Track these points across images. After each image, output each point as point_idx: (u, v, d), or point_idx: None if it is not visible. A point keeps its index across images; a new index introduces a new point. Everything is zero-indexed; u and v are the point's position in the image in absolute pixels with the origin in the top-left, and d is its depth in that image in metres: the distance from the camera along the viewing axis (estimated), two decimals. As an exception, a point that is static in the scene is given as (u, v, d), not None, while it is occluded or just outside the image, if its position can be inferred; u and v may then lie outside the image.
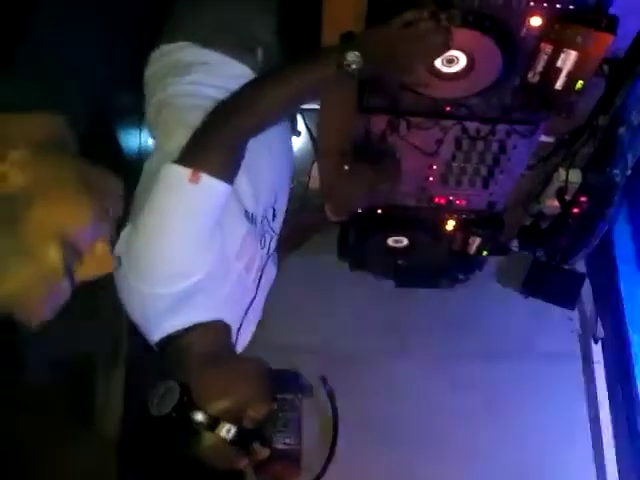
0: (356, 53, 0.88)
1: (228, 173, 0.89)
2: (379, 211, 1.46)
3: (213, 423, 0.86)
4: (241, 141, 0.91)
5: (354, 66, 0.89)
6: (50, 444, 1.24)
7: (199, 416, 0.86)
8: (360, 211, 1.46)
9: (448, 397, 1.88)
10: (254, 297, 1.06)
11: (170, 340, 0.90)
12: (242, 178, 0.96)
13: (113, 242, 0.86)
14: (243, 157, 0.92)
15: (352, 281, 1.87)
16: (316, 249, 1.81)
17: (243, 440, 0.88)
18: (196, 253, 0.88)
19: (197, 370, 0.89)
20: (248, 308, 1.05)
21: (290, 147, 1.22)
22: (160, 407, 0.85)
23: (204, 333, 0.92)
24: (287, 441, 1.77)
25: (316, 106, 1.29)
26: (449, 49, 0.95)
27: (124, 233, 0.90)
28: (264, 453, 0.91)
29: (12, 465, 1.14)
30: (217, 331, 0.94)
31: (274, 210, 1.10)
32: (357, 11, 1.03)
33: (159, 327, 0.90)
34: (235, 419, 0.87)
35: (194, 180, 0.84)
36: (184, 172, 0.85)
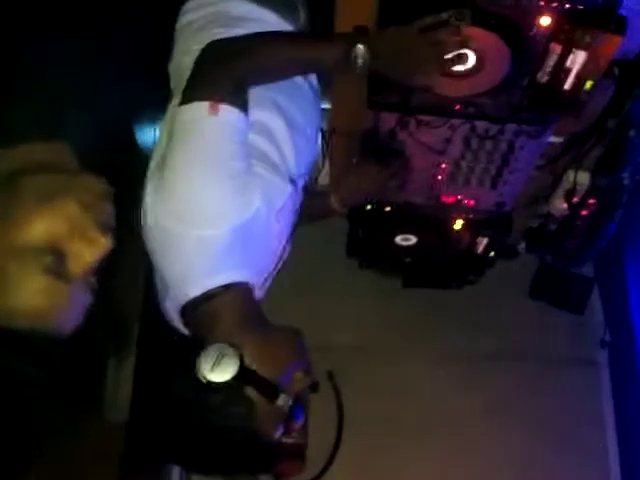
0: (365, 47, 0.88)
1: (242, 104, 0.88)
2: (388, 209, 1.47)
3: (274, 393, 0.82)
4: (243, 83, 0.91)
5: (360, 60, 0.89)
6: (59, 428, 1.26)
7: (261, 384, 0.81)
8: (369, 208, 1.47)
9: (452, 396, 1.88)
10: (274, 268, 1.03)
11: (207, 298, 0.86)
12: (289, 141, 0.98)
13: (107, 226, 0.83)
14: (247, 96, 0.91)
15: (360, 279, 1.89)
16: (325, 247, 1.84)
17: (291, 410, 0.84)
18: (234, 189, 0.86)
19: (239, 334, 0.84)
20: (265, 280, 1.01)
21: (319, 129, 1.22)
22: (218, 372, 0.79)
23: (240, 293, 0.88)
24: (292, 437, 1.78)
25: (328, 106, 1.31)
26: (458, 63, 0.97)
27: (149, 189, 0.88)
28: (300, 424, 0.88)
29: (21, 446, 1.16)
30: (249, 294, 0.91)
31: (304, 180, 1.10)
32: (369, 11, 1.05)
33: (198, 282, 0.86)
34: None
35: (213, 111, 0.84)
36: (202, 106, 0.84)
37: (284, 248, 1.06)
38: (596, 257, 1.93)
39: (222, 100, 0.85)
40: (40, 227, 0.73)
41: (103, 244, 0.76)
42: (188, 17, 1.09)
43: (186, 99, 0.87)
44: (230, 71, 0.88)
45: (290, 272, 1.15)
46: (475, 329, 1.95)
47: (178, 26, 1.10)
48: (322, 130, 1.37)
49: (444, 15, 0.88)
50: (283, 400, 0.83)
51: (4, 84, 0.81)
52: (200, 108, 0.85)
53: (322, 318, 1.87)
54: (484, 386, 1.89)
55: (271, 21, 1.08)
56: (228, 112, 0.86)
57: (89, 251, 0.76)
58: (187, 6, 1.10)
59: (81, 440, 1.33)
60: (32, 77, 0.85)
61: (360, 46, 0.88)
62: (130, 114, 1.11)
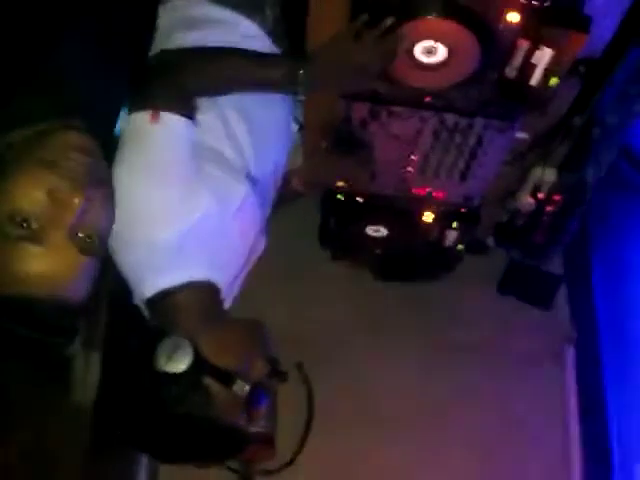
0: (303, 74, 0.94)
1: (186, 110, 0.91)
2: (359, 199, 1.49)
3: (229, 380, 0.85)
4: (188, 93, 0.94)
5: (300, 87, 0.95)
6: (28, 406, 1.26)
7: (216, 372, 0.84)
8: (340, 198, 1.49)
9: (420, 387, 1.90)
10: (242, 267, 1.06)
11: (163, 297, 0.90)
12: (247, 138, 0.99)
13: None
14: (194, 103, 0.94)
15: (333, 271, 1.90)
16: (298, 237, 1.85)
17: (251, 397, 0.88)
18: (180, 192, 0.89)
19: (196, 328, 0.88)
20: (235, 278, 1.05)
21: (290, 128, 1.24)
22: (173, 363, 0.83)
23: (197, 292, 0.92)
24: (261, 424, 1.80)
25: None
26: (395, 57, 1.00)
27: None
28: (262, 411, 0.92)
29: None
30: (210, 292, 0.94)
31: (274, 177, 1.12)
32: (342, 7, 1.06)
33: (152, 283, 0.90)
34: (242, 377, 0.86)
35: (155, 119, 0.87)
36: (143, 115, 0.87)
37: (254, 244, 1.07)
38: (565, 254, 1.99)
39: (164, 108, 0.88)
40: (15, 194, 0.76)
41: (76, 205, 0.78)
42: (159, 22, 1.10)
43: (131, 108, 0.90)
44: (173, 83, 0.92)
45: (262, 263, 1.17)
46: (445, 322, 1.98)
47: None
48: (298, 122, 1.39)
49: (364, 17, 0.94)
50: (239, 386, 0.86)
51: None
52: (142, 117, 0.88)
53: (293, 309, 1.89)
54: (451, 378, 1.92)
55: (233, 21, 1.09)
56: (169, 119, 0.89)
57: (65, 214, 0.77)
58: (160, 10, 1.11)
59: (49, 421, 1.32)
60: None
61: (299, 73, 0.94)
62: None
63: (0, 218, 0.76)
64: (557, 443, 1.89)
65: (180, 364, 0.82)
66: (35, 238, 0.76)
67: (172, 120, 0.89)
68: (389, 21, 0.92)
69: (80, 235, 0.79)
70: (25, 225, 0.75)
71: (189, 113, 0.92)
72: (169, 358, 0.82)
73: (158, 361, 0.83)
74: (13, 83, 0.83)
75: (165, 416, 0.85)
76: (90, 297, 0.86)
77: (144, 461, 1.74)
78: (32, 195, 0.76)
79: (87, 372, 1.45)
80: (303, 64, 0.95)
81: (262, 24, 1.11)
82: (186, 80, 0.93)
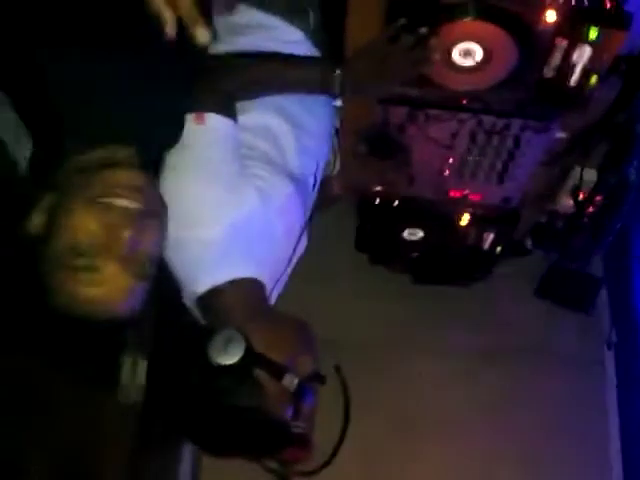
0: (338, 76, 0.96)
1: (228, 110, 0.95)
2: (396, 203, 1.50)
3: (279, 373, 0.87)
4: (231, 97, 0.98)
5: (335, 89, 0.97)
6: (72, 413, 1.30)
7: (267, 365, 0.86)
8: (377, 202, 1.50)
9: (456, 392, 1.89)
10: (287, 265, 1.09)
11: (212, 294, 0.93)
12: (290, 139, 1.03)
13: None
14: (234, 104, 0.98)
15: (370, 275, 1.91)
16: (336, 241, 1.86)
17: (299, 391, 0.89)
18: (226, 190, 0.92)
19: (247, 322, 0.90)
20: (280, 276, 1.07)
21: (331, 131, 1.27)
22: (226, 356, 0.85)
23: (245, 288, 0.94)
24: (300, 425, 1.81)
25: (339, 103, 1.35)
26: (432, 62, 1.01)
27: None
28: (308, 407, 0.93)
29: (37, 424, 1.20)
30: (256, 288, 0.97)
31: (315, 179, 1.14)
32: (379, 11, 1.08)
33: (203, 280, 0.93)
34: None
35: (199, 121, 0.92)
36: (189, 118, 0.92)
37: (297, 243, 1.09)
38: (605, 256, 1.95)
39: (208, 110, 0.93)
40: (75, 228, 0.84)
41: (126, 238, 0.85)
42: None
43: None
44: (216, 86, 0.96)
45: (300, 266, 1.19)
46: (482, 327, 1.97)
47: None
48: (335, 128, 1.41)
49: (401, 21, 0.96)
50: (289, 380, 0.88)
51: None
52: (189, 121, 0.93)
53: (330, 313, 1.89)
54: (489, 383, 1.90)
55: (277, 26, 1.13)
56: (213, 120, 0.93)
57: (117, 247, 0.85)
58: None
59: (95, 421, 1.36)
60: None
61: (335, 75, 0.96)
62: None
63: (61, 250, 0.84)
64: (598, 447, 1.85)
65: (233, 356, 0.84)
66: (92, 268, 0.84)
67: (216, 121, 0.93)
68: (424, 30, 0.94)
69: (132, 263, 0.86)
70: (83, 256, 0.83)
71: (232, 114, 0.96)
72: (222, 351, 0.85)
73: (211, 354, 0.85)
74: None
75: (217, 407, 0.87)
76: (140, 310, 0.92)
77: (188, 460, 1.77)
78: (88, 230, 0.84)
79: (134, 373, 1.49)
80: (339, 66, 0.97)
81: (304, 30, 1.14)
82: (228, 83, 0.97)
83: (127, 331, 1.08)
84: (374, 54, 0.98)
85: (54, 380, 1.20)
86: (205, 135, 0.92)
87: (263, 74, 1.01)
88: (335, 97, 1.02)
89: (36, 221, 0.86)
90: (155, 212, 0.90)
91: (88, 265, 0.84)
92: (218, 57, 1.01)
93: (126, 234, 0.85)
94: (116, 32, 0.97)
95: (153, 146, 0.94)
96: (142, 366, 1.45)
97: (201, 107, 0.92)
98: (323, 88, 1.00)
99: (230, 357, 0.84)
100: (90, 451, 1.32)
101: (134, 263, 0.86)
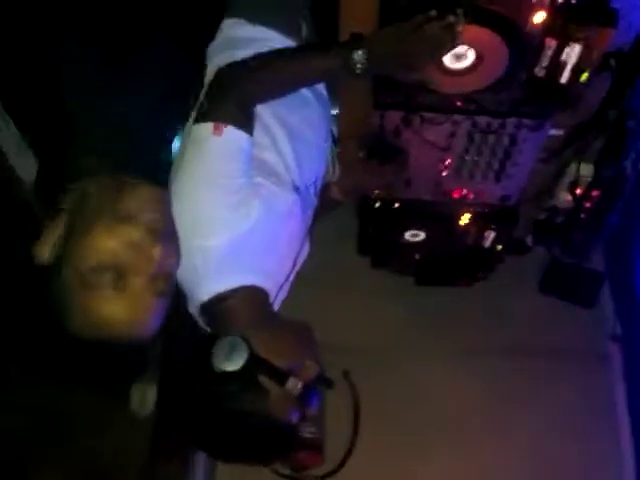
0: (362, 53, 0.94)
1: (246, 125, 0.95)
2: (396, 205, 1.51)
3: (282, 377, 0.88)
4: (248, 103, 0.98)
5: (359, 65, 0.94)
6: (88, 421, 1.31)
7: (270, 370, 0.87)
8: (378, 205, 1.51)
9: (465, 392, 1.90)
10: (290, 272, 1.10)
11: (217, 301, 0.94)
12: (289, 149, 1.04)
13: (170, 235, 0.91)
14: (253, 117, 0.99)
15: (373, 278, 1.92)
16: (338, 245, 1.88)
17: (303, 395, 0.91)
18: (235, 202, 0.93)
19: (250, 329, 0.91)
20: (283, 283, 1.08)
21: (329, 138, 1.27)
22: (229, 362, 0.86)
23: (249, 296, 0.95)
24: (311, 431, 1.82)
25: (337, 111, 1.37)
26: (455, 46, 0.99)
27: None
28: (314, 410, 0.94)
29: (54, 438, 1.22)
30: (260, 295, 0.98)
31: (315, 188, 1.15)
32: (371, 20, 1.10)
33: (208, 287, 0.94)
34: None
35: (218, 132, 0.92)
36: (208, 127, 0.92)
37: (299, 250, 1.11)
38: (606, 251, 1.96)
39: (226, 121, 0.93)
40: (98, 248, 0.83)
41: (156, 255, 0.85)
42: (214, 42, 1.14)
43: (197, 119, 0.95)
44: (235, 93, 0.96)
45: (303, 272, 1.20)
46: (486, 325, 1.98)
47: (208, 51, 1.15)
48: (333, 135, 1.43)
49: (432, 12, 0.93)
50: (292, 384, 0.89)
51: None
52: (207, 129, 0.93)
53: (336, 318, 1.90)
54: (497, 381, 1.91)
55: (274, 39, 1.14)
56: (231, 133, 0.93)
57: (146, 265, 0.85)
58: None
59: (109, 435, 1.38)
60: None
61: (357, 52, 0.94)
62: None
63: (83, 269, 0.83)
64: (606, 440, 1.85)
65: (236, 362, 0.86)
66: (117, 287, 0.84)
67: (234, 134, 0.93)
68: (452, 18, 0.93)
69: (158, 280, 0.87)
70: (107, 275, 0.83)
71: (249, 128, 0.96)
72: (226, 357, 0.86)
73: (215, 361, 0.86)
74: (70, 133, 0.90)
75: (222, 413, 0.88)
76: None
77: (201, 468, 1.78)
78: (113, 248, 0.84)
79: (146, 384, 1.50)
80: (360, 44, 0.95)
81: (299, 37, 1.16)
82: (246, 88, 0.97)
83: (148, 354, 1.10)
84: (396, 37, 0.95)
85: (70, 395, 1.22)
86: (222, 147, 0.93)
87: (282, 71, 1.00)
88: (359, 75, 0.96)
89: (49, 246, 0.85)
90: (174, 227, 0.91)
91: (112, 284, 0.83)
92: (233, 64, 1.00)
93: (157, 252, 0.85)
94: (138, 37, 0.98)
95: (149, 163, 0.95)
96: (152, 393, 1.48)
97: (220, 117, 0.93)
98: (343, 71, 0.97)
99: (233, 363, 0.86)
100: (101, 465, 1.34)
101: (159, 280, 0.87)
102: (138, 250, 0.84)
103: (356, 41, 0.99)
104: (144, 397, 1.45)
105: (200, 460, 1.79)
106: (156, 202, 0.89)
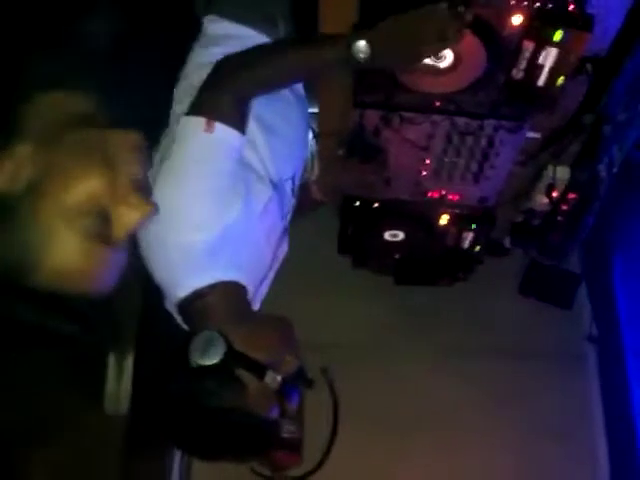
0: (365, 43, 0.91)
1: (240, 123, 0.94)
2: (376, 205, 1.52)
3: (261, 371, 0.88)
4: (245, 98, 0.96)
5: (361, 55, 0.91)
6: (61, 419, 1.30)
7: (248, 364, 0.86)
8: (358, 204, 1.52)
9: (443, 392, 1.91)
10: (269, 269, 1.09)
11: (195, 297, 0.93)
12: (266, 147, 1.02)
13: (148, 188, 0.87)
14: (248, 113, 0.96)
15: (353, 278, 1.93)
16: (318, 245, 1.88)
17: (283, 390, 0.90)
18: (217, 201, 0.92)
19: (228, 324, 0.91)
20: (262, 280, 1.07)
21: (307, 135, 1.26)
22: (206, 357, 0.85)
23: (226, 292, 0.94)
24: (290, 430, 1.81)
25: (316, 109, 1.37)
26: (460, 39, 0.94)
27: None
28: (294, 406, 0.95)
29: (26, 436, 1.20)
30: (238, 291, 0.97)
31: (293, 184, 1.15)
32: (350, 13, 1.10)
33: (186, 283, 0.93)
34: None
35: (209, 129, 0.90)
36: (199, 121, 0.90)
37: (278, 246, 1.11)
38: (583, 253, 1.99)
39: (218, 118, 0.91)
40: (86, 190, 0.75)
41: (145, 208, 0.80)
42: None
43: (190, 111, 0.93)
44: (232, 88, 0.94)
45: (283, 271, 1.20)
46: (466, 325, 1.99)
47: None
48: (313, 131, 1.43)
49: (442, 5, 0.90)
50: (271, 377, 0.89)
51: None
52: (198, 124, 0.91)
53: (316, 317, 1.91)
54: (475, 382, 1.93)
55: (250, 36, 1.12)
56: (222, 131, 0.92)
57: (132, 215, 0.79)
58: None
59: (83, 432, 1.36)
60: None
61: (360, 42, 0.91)
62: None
63: (68, 209, 0.75)
64: (581, 441, 1.88)
65: (214, 357, 0.85)
66: (104, 238, 0.77)
67: (225, 132, 0.92)
68: (462, 7, 0.91)
69: (129, 234, 0.81)
70: (92, 220, 0.76)
71: (242, 125, 0.94)
72: (203, 352, 0.85)
73: (192, 356, 0.85)
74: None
75: (200, 408, 0.88)
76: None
77: (175, 463, 1.77)
78: (103, 193, 0.77)
79: (120, 382, 1.50)
80: (362, 35, 0.92)
81: (276, 37, 1.15)
82: (244, 83, 0.94)
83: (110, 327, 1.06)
84: (399, 25, 0.92)
85: (44, 395, 1.20)
86: (209, 145, 0.91)
87: (279, 64, 0.97)
88: (362, 64, 0.92)
89: (6, 174, 0.73)
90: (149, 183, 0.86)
91: (98, 232, 0.76)
92: (226, 57, 0.97)
93: (147, 208, 0.79)
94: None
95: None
96: (128, 367, 1.46)
97: (213, 113, 0.90)
98: (344, 62, 0.94)
99: (211, 358, 0.85)
100: (76, 466, 1.32)
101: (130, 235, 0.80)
102: (121, 201, 0.78)
103: (359, 31, 0.95)
104: (121, 372, 1.43)
105: (176, 458, 1.78)
106: (138, 146, 0.83)
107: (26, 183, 0.74)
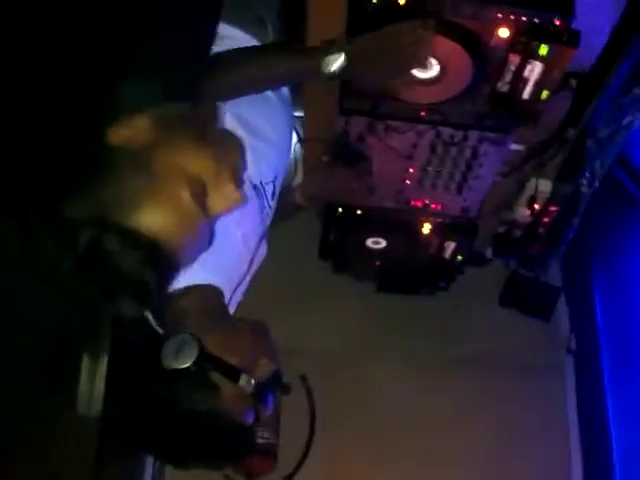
0: (341, 55, 0.92)
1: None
2: (359, 212, 1.52)
3: (235, 374, 0.86)
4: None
5: (335, 67, 0.93)
6: (33, 422, 1.28)
7: (222, 367, 0.85)
8: (340, 211, 1.51)
9: (422, 401, 1.90)
10: (246, 273, 1.09)
11: (171, 300, 0.91)
12: (248, 149, 1.01)
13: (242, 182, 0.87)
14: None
15: (334, 284, 1.92)
16: (300, 250, 1.87)
17: (258, 394, 0.89)
18: None
19: (202, 327, 0.90)
20: (239, 284, 1.06)
21: (290, 138, 1.26)
22: (179, 360, 0.83)
23: (203, 295, 0.94)
24: (264, 436, 1.80)
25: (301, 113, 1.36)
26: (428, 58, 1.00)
27: None
28: (269, 411, 0.92)
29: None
30: (214, 295, 0.97)
31: (274, 187, 1.14)
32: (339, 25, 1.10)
33: None
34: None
35: None
36: None
37: (256, 250, 1.10)
38: (564, 266, 2.00)
39: None
40: (200, 163, 0.79)
41: (238, 198, 0.83)
42: None
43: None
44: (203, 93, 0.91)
45: (262, 275, 1.19)
46: (446, 335, 1.99)
47: None
48: (298, 135, 1.42)
49: (417, 22, 0.93)
50: (245, 380, 0.87)
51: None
52: None
53: (295, 322, 1.90)
54: (453, 391, 1.92)
55: (238, 37, 1.12)
56: None
57: (226, 201, 0.82)
58: None
59: (55, 435, 1.34)
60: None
61: (337, 54, 0.93)
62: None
63: (192, 172, 0.78)
64: (558, 454, 1.89)
65: (186, 360, 0.83)
66: (202, 206, 0.79)
67: None
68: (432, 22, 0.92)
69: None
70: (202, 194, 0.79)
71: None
72: (175, 355, 0.84)
73: (165, 359, 0.84)
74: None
75: (173, 412, 0.86)
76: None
77: (148, 468, 1.75)
78: (210, 168, 0.80)
79: (92, 384, 1.48)
80: (339, 47, 0.93)
81: (264, 38, 1.15)
82: (207, 88, 0.92)
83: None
84: (378, 40, 0.95)
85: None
86: None
87: (256, 74, 0.98)
88: (339, 76, 0.95)
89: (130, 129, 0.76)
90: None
91: (199, 201, 0.78)
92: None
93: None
94: None
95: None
96: (100, 372, 1.44)
97: None
98: (318, 73, 0.95)
99: (183, 361, 0.84)
100: (47, 470, 1.30)
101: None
102: (217, 186, 0.80)
103: (336, 43, 0.97)
104: (94, 371, 1.41)
105: (148, 465, 1.75)
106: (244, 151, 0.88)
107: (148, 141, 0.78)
